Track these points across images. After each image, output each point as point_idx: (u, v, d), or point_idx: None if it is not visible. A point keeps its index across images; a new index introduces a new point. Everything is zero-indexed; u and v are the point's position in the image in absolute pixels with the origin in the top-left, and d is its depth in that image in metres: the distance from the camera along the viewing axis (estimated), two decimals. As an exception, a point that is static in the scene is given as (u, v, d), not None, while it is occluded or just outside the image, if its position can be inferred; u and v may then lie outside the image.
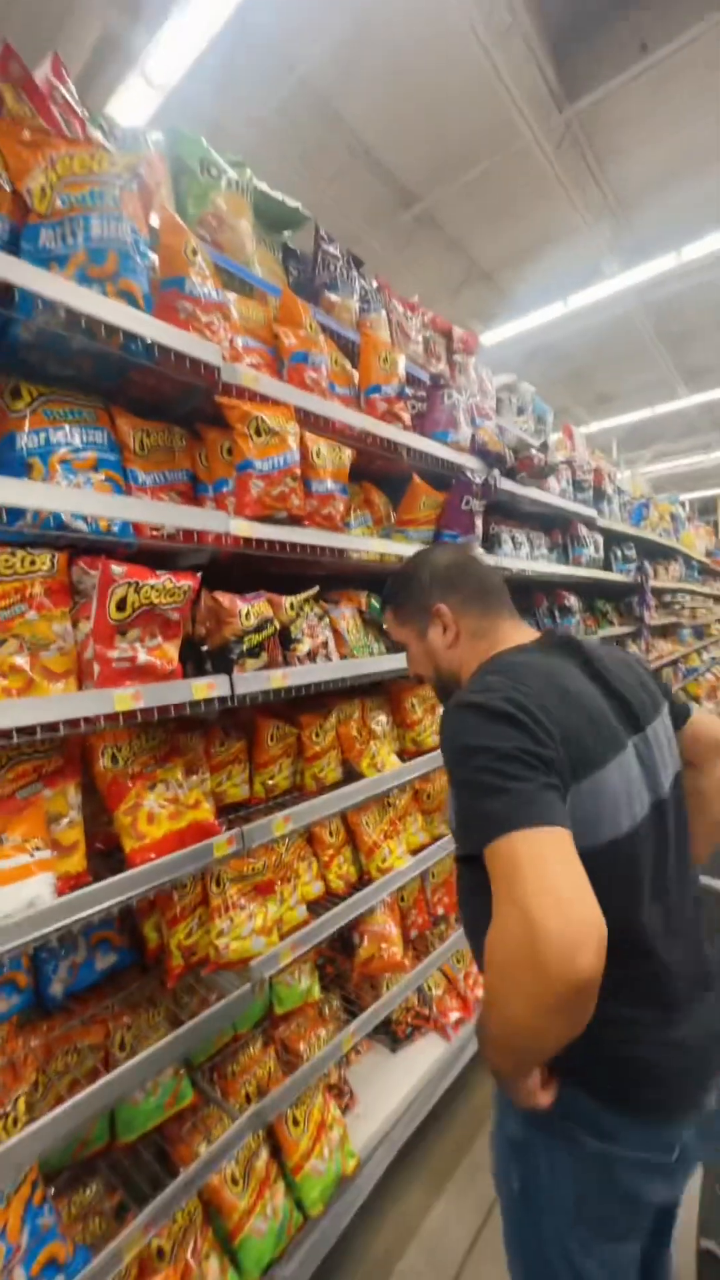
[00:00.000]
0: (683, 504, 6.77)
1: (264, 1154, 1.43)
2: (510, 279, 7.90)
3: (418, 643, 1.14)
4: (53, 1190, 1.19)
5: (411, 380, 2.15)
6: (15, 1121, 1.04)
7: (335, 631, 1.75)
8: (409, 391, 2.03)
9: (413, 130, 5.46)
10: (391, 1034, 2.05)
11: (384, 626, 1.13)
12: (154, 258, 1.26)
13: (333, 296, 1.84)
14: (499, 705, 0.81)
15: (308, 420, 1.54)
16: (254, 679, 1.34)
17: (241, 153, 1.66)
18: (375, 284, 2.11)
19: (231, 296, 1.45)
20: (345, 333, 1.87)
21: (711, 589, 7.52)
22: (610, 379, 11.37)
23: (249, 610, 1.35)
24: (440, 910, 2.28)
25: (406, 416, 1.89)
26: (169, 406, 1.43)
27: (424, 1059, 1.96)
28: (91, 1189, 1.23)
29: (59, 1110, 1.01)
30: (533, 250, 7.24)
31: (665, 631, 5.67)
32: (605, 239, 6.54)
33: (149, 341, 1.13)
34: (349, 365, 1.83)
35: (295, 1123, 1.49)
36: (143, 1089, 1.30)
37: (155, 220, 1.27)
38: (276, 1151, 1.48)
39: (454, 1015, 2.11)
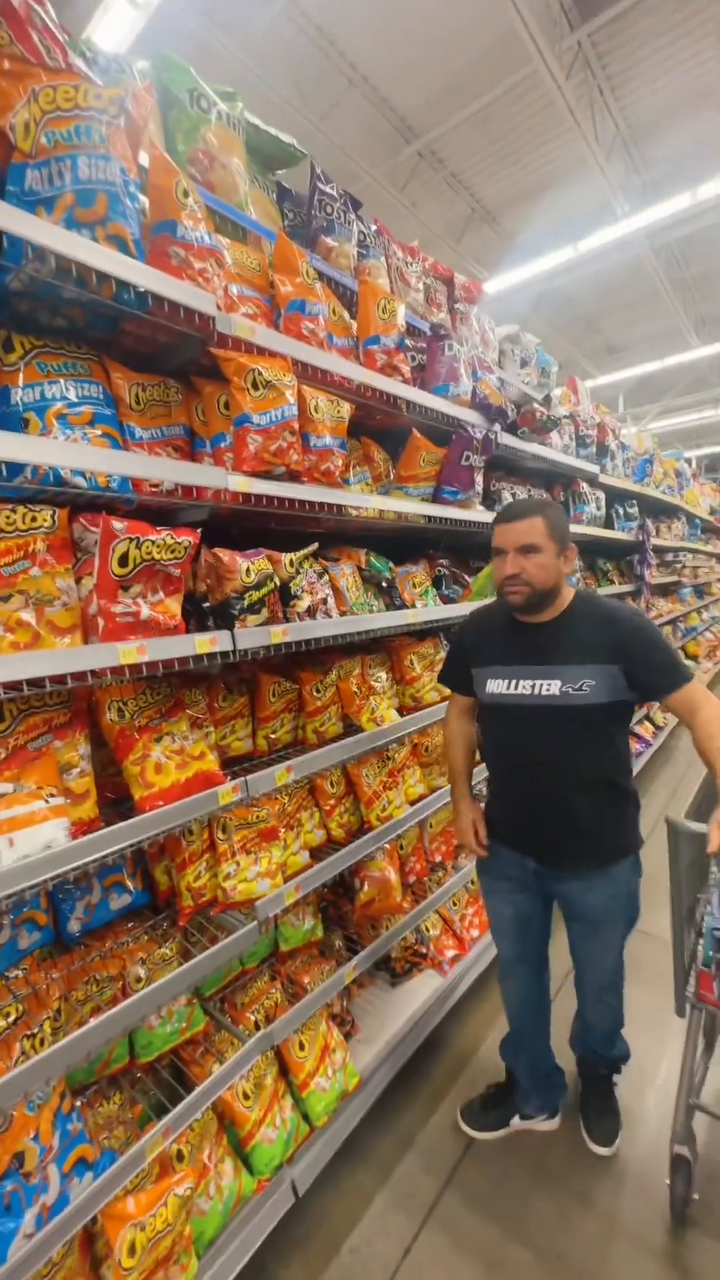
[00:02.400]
0: (688, 460, 6.65)
1: (272, 1073, 1.55)
2: (516, 220, 7.54)
3: (552, 557, 1.43)
4: (80, 1102, 1.30)
5: (411, 330, 2.09)
6: (43, 1041, 1.12)
7: (335, 588, 1.77)
8: (408, 343, 1.99)
9: (414, 56, 5.11)
10: (391, 970, 2.18)
11: (525, 525, 1.42)
12: (144, 200, 1.22)
13: (330, 241, 1.78)
14: None
15: (305, 373, 1.51)
16: (255, 634, 1.36)
17: (231, 81, 1.58)
18: (374, 227, 2.03)
19: (225, 241, 1.41)
20: (343, 279, 1.81)
21: (714, 547, 7.47)
22: (619, 328, 10.98)
23: (249, 567, 1.37)
24: (438, 858, 2.38)
25: (406, 369, 1.85)
26: (164, 358, 1.41)
27: (422, 992, 2.09)
28: (115, 1101, 1.34)
29: (82, 1030, 1.10)
30: (540, 188, 6.89)
31: (665, 590, 5.67)
32: (617, 175, 6.21)
33: (141, 290, 1.11)
34: (347, 315, 1.79)
35: (301, 1046, 1.61)
36: (158, 1015, 1.40)
37: (144, 158, 1.22)
38: (284, 1071, 1.61)
39: (450, 953, 2.24)
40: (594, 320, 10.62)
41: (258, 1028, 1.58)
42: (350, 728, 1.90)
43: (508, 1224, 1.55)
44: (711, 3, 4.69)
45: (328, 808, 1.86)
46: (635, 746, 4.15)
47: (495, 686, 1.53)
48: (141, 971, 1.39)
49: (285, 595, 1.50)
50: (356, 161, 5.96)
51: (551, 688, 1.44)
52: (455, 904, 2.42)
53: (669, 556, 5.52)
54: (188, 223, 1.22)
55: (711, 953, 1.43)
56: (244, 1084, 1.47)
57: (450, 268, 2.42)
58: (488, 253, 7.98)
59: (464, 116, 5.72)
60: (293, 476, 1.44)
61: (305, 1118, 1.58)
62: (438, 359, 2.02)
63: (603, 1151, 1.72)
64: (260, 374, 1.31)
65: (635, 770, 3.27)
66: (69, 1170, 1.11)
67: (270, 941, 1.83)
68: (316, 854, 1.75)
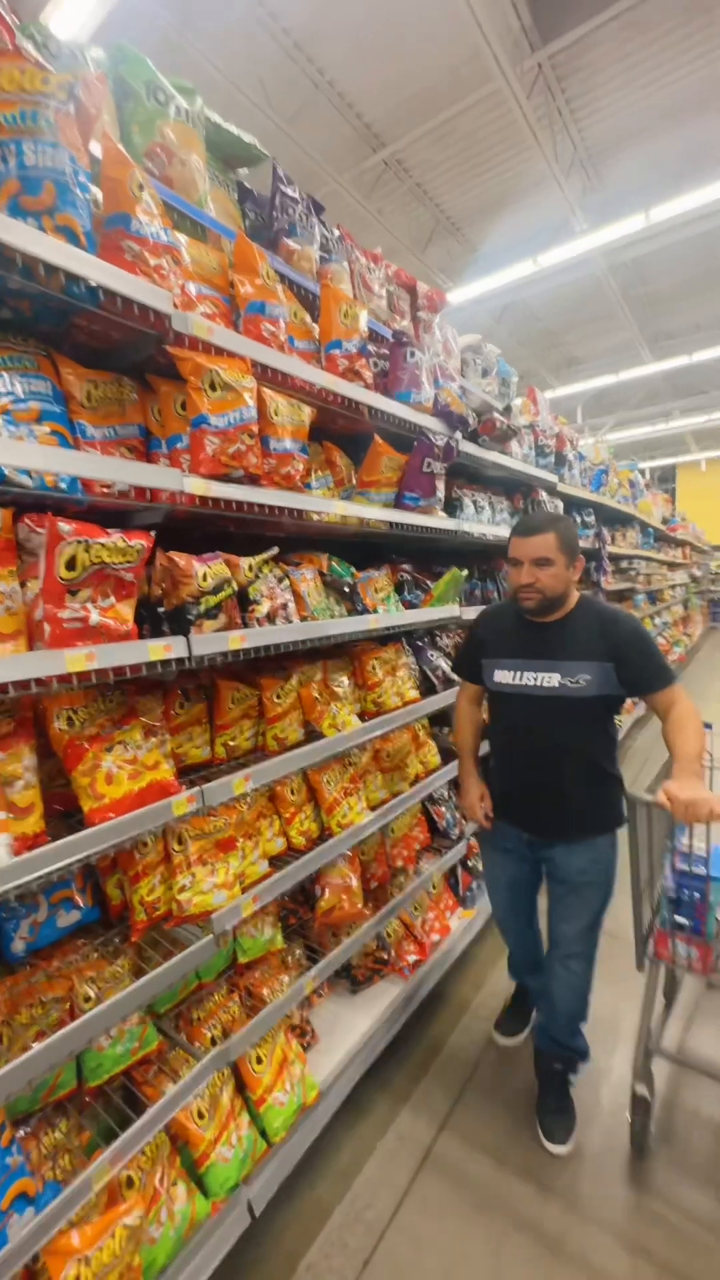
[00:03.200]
0: (642, 471, 6.90)
1: (229, 1089, 1.51)
2: (479, 232, 7.69)
3: (563, 569, 1.63)
4: (22, 1132, 1.23)
5: (374, 337, 2.10)
6: (-20, 1070, 1.06)
7: (296, 594, 1.75)
8: (371, 349, 1.99)
9: (382, 67, 5.17)
10: (352, 978, 2.16)
11: (539, 541, 1.61)
12: (96, 192, 1.19)
13: (292, 243, 1.77)
14: None
15: (265, 375, 1.49)
16: (212, 640, 1.33)
17: (197, 78, 1.55)
18: (337, 232, 2.03)
19: (182, 239, 1.38)
20: (305, 283, 1.80)
21: (665, 555, 7.76)
22: (579, 342, 11.33)
23: (206, 571, 1.34)
24: (399, 863, 2.38)
25: (368, 375, 1.85)
26: (118, 356, 1.37)
27: (383, 999, 2.08)
28: (61, 1128, 1.28)
29: (24, 1057, 1.04)
30: (502, 202, 7.05)
31: (621, 597, 5.86)
32: (575, 194, 6.40)
33: (93, 284, 1.07)
34: (309, 318, 1.78)
35: (259, 1061, 1.57)
36: (108, 1036, 1.34)
37: (97, 149, 1.18)
38: (241, 1087, 1.57)
39: (411, 958, 2.24)
40: (555, 334, 10.93)
41: (214, 1043, 1.54)
42: (312, 734, 1.88)
43: (470, 1226, 1.55)
44: (662, 35, 4.90)
45: (288, 815, 1.83)
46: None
47: (502, 676, 1.74)
48: (91, 991, 1.33)
49: (244, 600, 1.47)
50: (322, 166, 5.97)
51: (552, 680, 1.65)
52: (417, 909, 2.42)
53: (624, 564, 5.71)
54: (143, 217, 1.18)
55: (666, 914, 1.59)
56: (199, 1103, 1.43)
57: (414, 276, 2.44)
58: (452, 263, 8.12)
59: (429, 128, 5.81)
60: (252, 480, 1.42)
61: (262, 1134, 1.54)
62: (400, 365, 2.03)
63: (559, 1150, 1.75)
64: (218, 375, 1.29)
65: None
66: (8, 1207, 1.05)
67: (228, 954, 1.79)
68: (276, 863, 1.72)
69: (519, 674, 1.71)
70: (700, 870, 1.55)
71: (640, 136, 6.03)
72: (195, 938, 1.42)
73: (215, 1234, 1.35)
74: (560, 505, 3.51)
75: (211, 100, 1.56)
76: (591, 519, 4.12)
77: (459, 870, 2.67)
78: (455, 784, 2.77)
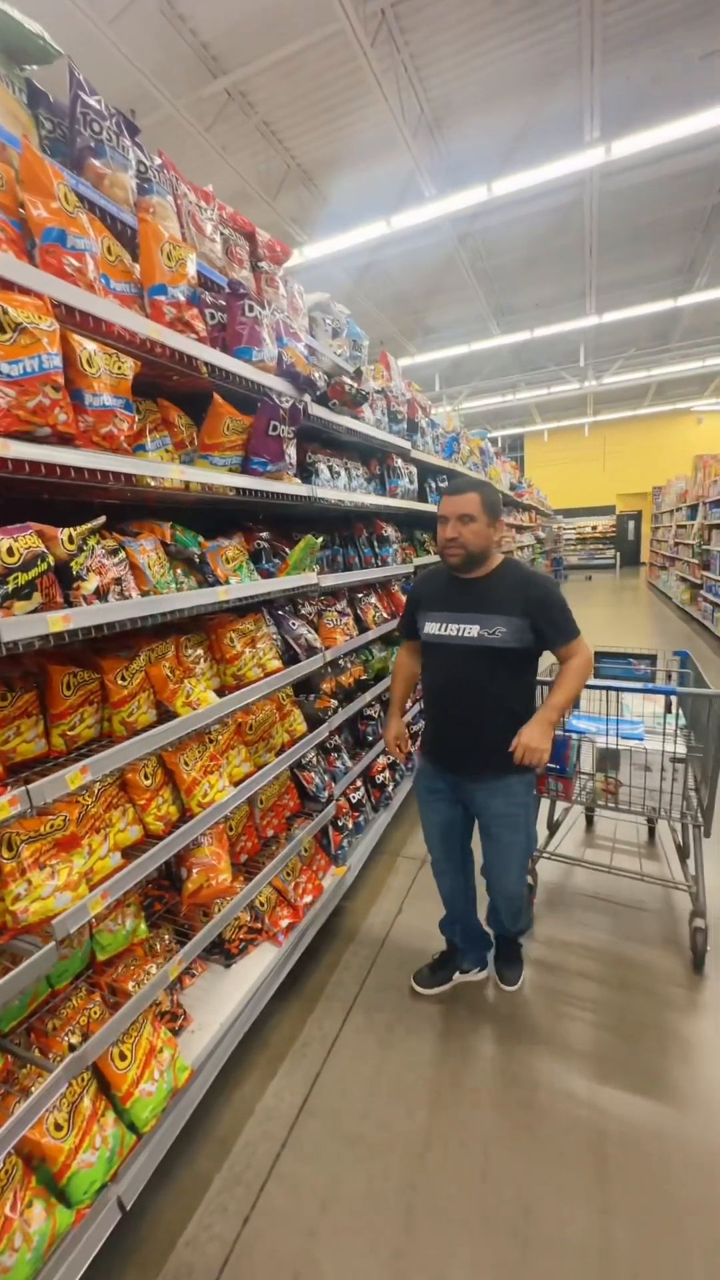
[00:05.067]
0: (493, 440, 7.33)
1: (90, 1092, 1.43)
2: (332, 184, 7.45)
3: (484, 526, 1.79)
4: None
5: (211, 285, 1.94)
6: None
7: (134, 566, 1.61)
8: (208, 298, 1.84)
9: (211, -26, 4.67)
10: (225, 952, 2.15)
11: (464, 499, 1.77)
12: None
13: (100, 165, 1.55)
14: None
15: (72, 319, 1.31)
16: (26, 623, 1.18)
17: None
18: (158, 160, 1.82)
19: (-51, 140, 1.14)
20: (121, 215, 1.60)
21: (513, 520, 8.40)
22: (434, 310, 11.59)
23: (10, 545, 1.17)
24: (270, 832, 2.38)
25: (201, 326, 1.71)
26: None
27: (257, 967, 2.10)
28: None
29: None
30: (353, 155, 6.87)
31: (477, 560, 6.26)
32: (423, 157, 6.42)
33: None
34: (128, 257, 1.59)
35: (121, 1057, 1.51)
36: (-66, 1071, 1.20)
37: None
38: (105, 1087, 1.50)
39: (285, 922, 2.27)
40: (412, 300, 11.07)
41: (73, 1050, 1.45)
42: (165, 714, 1.78)
43: (343, 1161, 1.66)
44: (496, 4, 4.99)
45: (143, 802, 1.73)
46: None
47: (430, 628, 1.91)
48: None
49: (65, 576, 1.32)
50: (156, 85, 5.36)
51: (472, 631, 1.82)
52: (290, 873, 2.45)
53: (478, 529, 6.06)
54: None
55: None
56: (55, 1115, 1.34)
57: (263, 223, 2.28)
58: (304, 214, 7.81)
59: (272, 61, 5.43)
60: (63, 439, 1.26)
61: (131, 1127, 1.49)
62: (238, 319, 1.91)
63: (512, 989, 2.24)
64: (6, 314, 1.10)
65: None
66: None
67: (84, 954, 1.68)
68: (132, 853, 1.63)
69: (444, 625, 1.87)
70: (561, 734, 2.44)
71: (483, 106, 6.16)
72: (35, 948, 1.30)
73: (81, 1241, 1.29)
74: (415, 471, 3.62)
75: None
76: (445, 485, 4.30)
77: (330, 830, 2.75)
78: (323, 749, 2.81)
